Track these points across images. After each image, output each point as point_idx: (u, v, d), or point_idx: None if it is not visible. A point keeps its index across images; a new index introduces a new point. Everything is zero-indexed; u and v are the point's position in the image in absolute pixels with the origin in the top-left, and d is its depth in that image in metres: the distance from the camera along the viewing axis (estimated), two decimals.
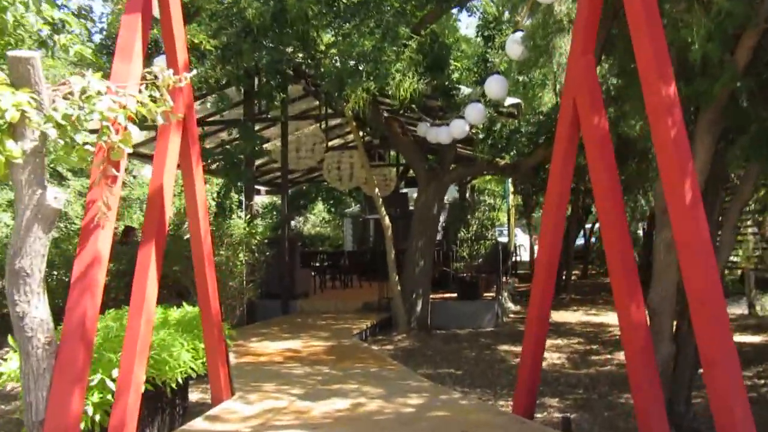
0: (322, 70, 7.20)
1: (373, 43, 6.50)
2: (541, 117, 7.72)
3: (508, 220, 12.05)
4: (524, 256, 21.02)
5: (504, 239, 14.50)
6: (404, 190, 18.60)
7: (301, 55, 7.36)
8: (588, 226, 20.69)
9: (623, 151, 8.75)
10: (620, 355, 7.57)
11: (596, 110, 3.56)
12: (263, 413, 4.13)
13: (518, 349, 8.02)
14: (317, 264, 13.69)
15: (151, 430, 4.58)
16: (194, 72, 3.74)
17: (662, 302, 3.89)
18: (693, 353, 4.09)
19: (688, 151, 2.98)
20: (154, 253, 3.67)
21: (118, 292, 8.87)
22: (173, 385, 4.45)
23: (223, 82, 7.76)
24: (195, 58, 7.46)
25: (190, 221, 4.21)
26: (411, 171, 18.02)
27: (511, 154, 8.26)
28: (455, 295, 10.41)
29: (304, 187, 24.96)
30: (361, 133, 15.24)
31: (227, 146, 7.79)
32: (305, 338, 7.38)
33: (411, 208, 19.83)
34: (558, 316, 11.16)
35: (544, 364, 7.15)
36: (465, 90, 8.70)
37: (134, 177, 24.28)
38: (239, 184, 7.83)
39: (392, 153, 17.58)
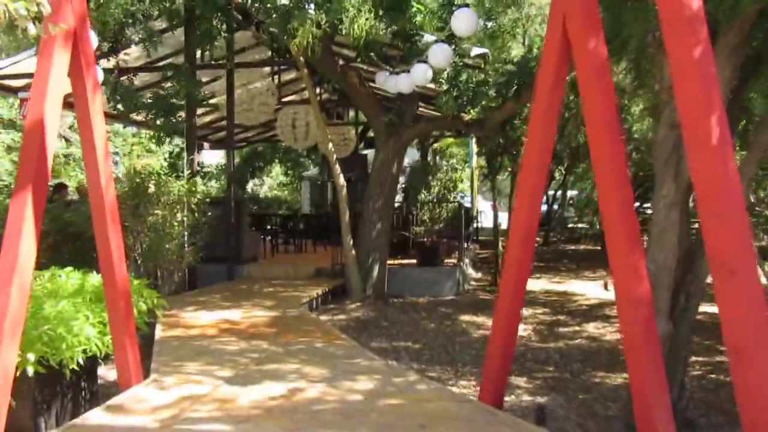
0: (268, 5, 6.30)
1: None
2: (510, 67, 7.01)
3: (472, 183, 11.44)
4: (485, 222, 20.56)
5: (467, 204, 13.91)
6: (364, 152, 17.84)
7: None
8: (551, 192, 20.30)
9: None
10: (590, 327, 7.08)
11: (592, 31, 2.85)
12: (178, 402, 3.39)
13: (480, 319, 7.46)
14: (269, 227, 12.86)
15: (47, 419, 3.81)
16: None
17: (660, 272, 3.28)
18: (688, 332, 3.52)
19: (714, 75, 2.30)
20: (30, 206, 2.85)
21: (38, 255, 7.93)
22: (74, 366, 3.68)
23: (154, 17, 6.78)
24: None
25: (87, 166, 3.38)
26: (371, 132, 17.35)
27: (477, 109, 7.55)
28: (414, 261, 9.78)
29: (260, 148, 23.93)
30: (318, 90, 14.37)
31: (160, 90, 6.85)
32: (247, 307, 6.63)
33: (368, 168, 19.15)
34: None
35: None
36: (428, 37, 7.94)
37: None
38: (175, 135, 6.93)
39: (351, 113, 16.79)
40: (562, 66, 3.08)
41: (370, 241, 8.49)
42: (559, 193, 20.80)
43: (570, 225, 21.81)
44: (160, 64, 9.19)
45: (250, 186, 26.64)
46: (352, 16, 5.64)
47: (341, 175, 8.19)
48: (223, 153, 16.92)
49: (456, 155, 16.17)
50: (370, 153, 18.02)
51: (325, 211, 17.68)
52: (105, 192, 3.33)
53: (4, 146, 13.37)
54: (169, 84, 7.17)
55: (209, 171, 28.34)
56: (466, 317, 7.54)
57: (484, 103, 7.31)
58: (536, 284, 10.79)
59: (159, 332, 5.24)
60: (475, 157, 11.79)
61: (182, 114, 8.07)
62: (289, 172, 26.96)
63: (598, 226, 21.43)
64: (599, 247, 16.63)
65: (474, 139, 11.58)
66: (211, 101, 12.46)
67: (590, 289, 10.11)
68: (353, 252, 8.26)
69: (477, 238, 16.53)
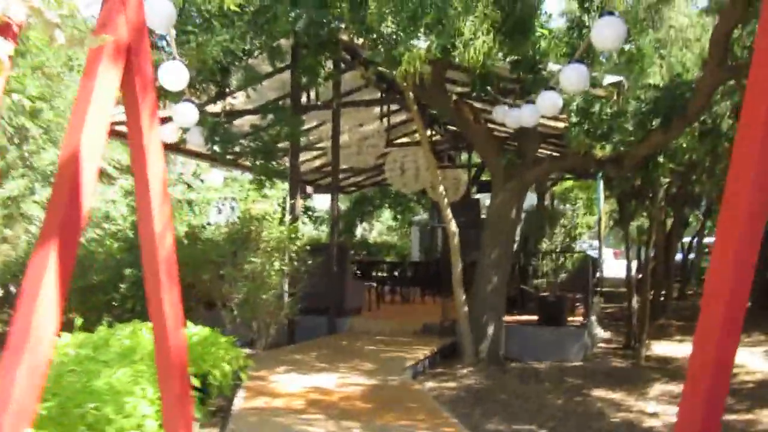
0: (368, 33, 5.69)
1: None
2: (653, 94, 5.90)
3: (599, 229, 10.19)
4: (606, 271, 18.77)
5: (592, 252, 12.52)
6: (477, 196, 16.97)
7: (347, 17, 5.88)
8: (686, 239, 18.27)
9: None
10: (764, 415, 5.62)
11: None
12: None
13: (618, 396, 6.20)
14: (374, 274, 12.16)
15: None
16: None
17: None
18: None
19: None
20: (55, 262, 2.22)
21: (136, 302, 7.69)
22: None
23: (255, 56, 6.39)
24: (220, 24, 6.14)
25: (139, 210, 2.76)
26: (484, 175, 16.42)
27: (613, 143, 6.46)
28: (535, 318, 8.63)
29: (370, 193, 23.72)
30: (429, 132, 13.75)
31: (261, 132, 6.40)
32: (344, 371, 5.85)
33: (483, 216, 18.16)
34: (660, 348, 9.15)
35: (660, 422, 5.35)
36: (553, 66, 7.03)
37: (202, 181, 23.84)
38: (275, 179, 6.41)
39: (464, 155, 16.04)
40: None
41: (485, 295, 7.50)
42: (695, 240, 18.71)
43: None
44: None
45: (359, 231, 26.45)
46: (467, 39, 4.85)
47: (453, 221, 7.33)
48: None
49: (579, 198, 14.82)
50: (482, 197, 17.12)
51: (435, 258, 16.87)
52: (160, 244, 2.69)
53: (123, 191, 13.75)
54: (270, 126, 6.71)
55: (320, 216, 28.60)
56: (599, 392, 6.31)
57: (621, 137, 6.22)
58: (679, 349, 9.23)
59: (239, 401, 4.56)
60: (602, 201, 10.50)
61: (285, 157, 7.65)
62: (398, 216, 26.54)
63: None
64: (750, 303, 14.46)
65: (602, 181, 10.33)
66: (318, 144, 12.21)
67: (750, 358, 8.44)
68: (466, 308, 7.30)
69: (601, 290, 14.97)
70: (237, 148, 6.35)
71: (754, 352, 8.74)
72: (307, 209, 26.15)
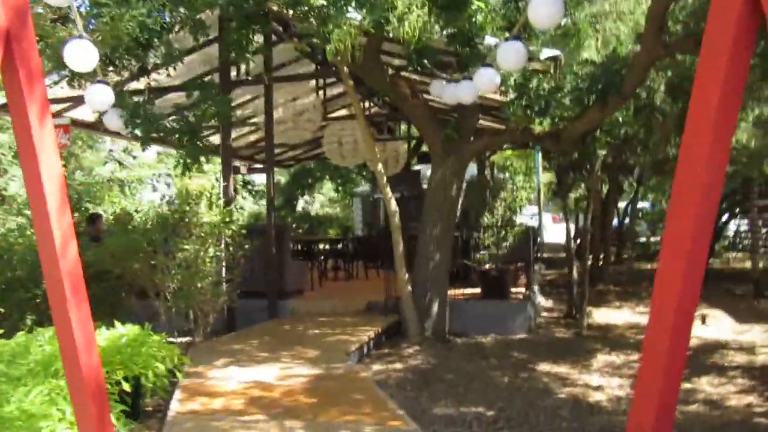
0: (297, 5, 5.37)
1: None
2: (590, 70, 5.83)
3: (539, 201, 10.24)
4: (546, 237, 19.12)
5: (531, 219, 12.64)
6: (417, 167, 16.90)
7: None
8: (621, 204, 18.76)
9: None
10: (703, 383, 5.76)
11: None
12: None
13: (563, 369, 6.25)
14: (316, 251, 11.92)
15: None
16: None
17: None
18: None
19: None
20: None
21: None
22: None
23: (176, 30, 5.95)
24: None
25: (34, 218, 2.43)
26: (424, 146, 16.31)
27: (552, 118, 6.39)
28: (477, 291, 8.63)
29: (310, 166, 23.30)
30: (366, 105, 13.46)
31: (186, 111, 5.99)
32: (286, 360, 5.65)
33: (424, 187, 18.12)
34: (601, 315, 9.35)
35: (605, 396, 5.39)
36: (490, 39, 6.87)
37: (134, 157, 22.80)
38: (201, 161, 6.03)
39: (403, 126, 15.87)
40: (746, 25, 1.89)
41: (428, 273, 7.41)
42: (629, 206, 19.24)
43: (642, 240, 20.15)
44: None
45: (300, 204, 26.05)
46: (401, 14, 4.61)
47: (393, 200, 7.16)
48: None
49: (519, 169, 14.91)
50: (423, 168, 17.05)
51: (377, 231, 16.77)
52: (61, 256, 2.38)
53: None
54: (196, 105, 6.29)
55: (260, 190, 27.96)
56: (545, 366, 6.34)
57: (559, 113, 6.15)
58: (619, 315, 9.46)
59: (174, 405, 4.29)
60: (540, 171, 10.55)
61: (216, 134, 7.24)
62: (339, 188, 26.27)
63: None
64: None
65: (540, 152, 10.35)
66: (253, 120, 11.75)
67: None
68: (409, 287, 7.19)
69: (542, 256, 15.22)
70: (161, 130, 5.93)
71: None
72: (246, 183, 25.50)
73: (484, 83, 5.05)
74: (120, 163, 24.67)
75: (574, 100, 5.92)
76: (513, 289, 8.65)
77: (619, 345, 7.25)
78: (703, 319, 8.57)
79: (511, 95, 6.34)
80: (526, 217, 15.17)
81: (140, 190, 22.88)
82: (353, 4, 4.50)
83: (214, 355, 5.96)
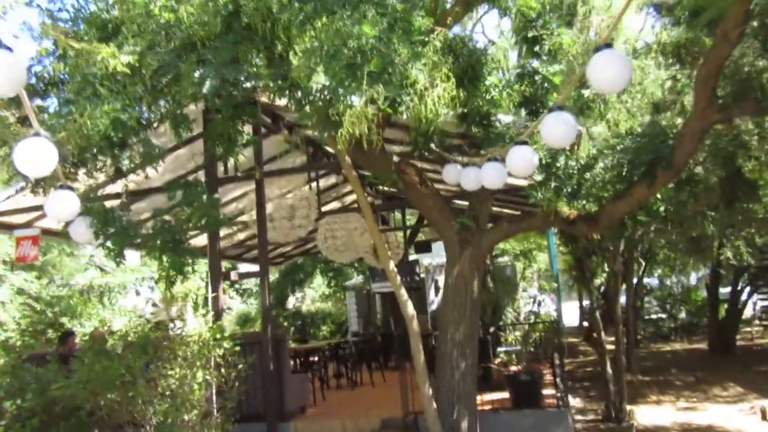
0: (292, 91, 4.71)
1: (376, 32, 3.99)
2: (632, 142, 5.13)
3: (558, 288, 9.39)
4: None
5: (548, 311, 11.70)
6: (413, 257, 16.14)
7: (264, 72, 4.86)
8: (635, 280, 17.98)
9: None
10: None
11: None
12: None
13: None
14: (316, 359, 10.80)
15: None
16: None
17: None
18: None
19: None
20: None
21: None
22: None
23: (155, 126, 5.23)
24: (108, 91, 4.97)
25: None
26: (419, 235, 15.57)
27: (584, 199, 5.64)
28: (503, 396, 7.59)
29: (300, 261, 22.42)
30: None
31: (166, 216, 5.16)
32: None
33: (422, 275, 17.25)
34: (643, 415, 8.30)
35: None
36: (505, 118, 6.27)
37: (117, 263, 21.75)
38: (187, 267, 5.13)
39: (397, 215, 15.26)
40: None
41: (454, 383, 6.37)
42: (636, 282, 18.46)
43: (652, 317, 19.20)
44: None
45: (291, 301, 24.94)
46: (423, 88, 3.90)
47: (409, 302, 6.26)
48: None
49: (516, 253, 14.13)
50: (420, 257, 16.27)
51: (378, 330, 15.79)
52: None
53: (14, 289, 11.88)
54: (178, 207, 5.46)
55: (248, 288, 26.78)
56: None
57: (597, 192, 5.41)
58: (661, 414, 8.41)
59: None
60: (555, 256, 9.74)
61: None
62: (331, 282, 25.27)
63: (684, 316, 18.80)
64: (706, 347, 13.97)
65: (553, 235, 9.60)
66: (242, 218, 10.97)
67: (739, 419, 7.70)
68: (434, 404, 6.16)
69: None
70: (139, 239, 5.06)
71: (742, 412, 8.01)
72: (233, 283, 24.35)
73: (518, 164, 4.30)
74: (101, 269, 23.58)
75: (615, 177, 5.18)
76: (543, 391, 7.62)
77: None
78: (764, 413, 7.55)
79: (538, 177, 5.61)
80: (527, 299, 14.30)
81: (123, 296, 21.72)
82: (364, 81, 3.79)
83: None
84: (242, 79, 4.58)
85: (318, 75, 4.34)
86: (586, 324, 17.84)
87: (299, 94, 4.92)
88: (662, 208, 5.99)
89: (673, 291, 19.38)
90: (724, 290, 14.34)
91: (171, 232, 4.94)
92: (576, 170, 5.59)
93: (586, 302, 19.84)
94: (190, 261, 4.96)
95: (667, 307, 18.88)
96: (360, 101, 3.97)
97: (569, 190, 5.48)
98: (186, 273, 5.01)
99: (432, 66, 4.33)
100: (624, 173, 5.03)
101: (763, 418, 7.46)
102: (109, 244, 4.75)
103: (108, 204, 5.45)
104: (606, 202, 5.45)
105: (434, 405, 6.16)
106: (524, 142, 4.34)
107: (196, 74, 4.62)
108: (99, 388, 5.96)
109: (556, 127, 3.64)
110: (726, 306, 13.96)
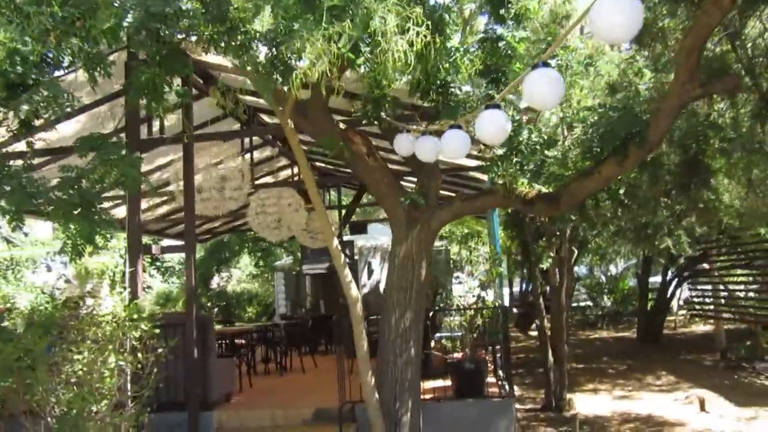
0: (231, 36, 4.07)
1: None
2: (605, 114, 4.75)
3: (500, 273, 9.08)
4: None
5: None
6: (349, 237, 15.62)
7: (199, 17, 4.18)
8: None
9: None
10: None
11: None
12: None
13: None
14: (242, 344, 10.09)
15: None
16: None
17: None
18: None
19: None
20: None
21: None
22: None
23: (65, 65, 4.44)
24: (8, 21, 4.17)
25: None
26: (354, 216, 15.04)
27: (545, 177, 5.27)
28: (444, 384, 7.21)
29: (227, 239, 21.45)
30: (291, 171, 12.09)
31: (75, 175, 4.37)
32: None
33: (356, 257, 16.74)
34: (582, 404, 8.14)
35: None
36: (466, 87, 5.85)
37: (26, 234, 20.15)
38: (99, 238, 4.37)
39: (332, 194, 14.68)
40: None
41: (397, 372, 5.92)
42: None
43: (580, 305, 19.53)
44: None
45: (216, 281, 23.93)
46: (390, 36, 3.34)
47: (353, 284, 5.73)
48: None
49: (452, 235, 13.81)
50: (355, 238, 15.75)
51: (308, 312, 15.21)
52: None
53: None
54: (93, 167, 4.65)
55: (170, 266, 25.44)
56: None
57: (560, 170, 5.03)
58: (600, 403, 8.29)
59: None
60: (498, 239, 9.44)
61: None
62: (259, 262, 24.42)
63: (609, 305, 19.19)
64: (634, 335, 14.22)
65: (496, 214, 9.29)
66: (168, 188, 10.07)
67: (677, 409, 7.64)
68: (376, 395, 5.68)
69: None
70: (41, 202, 4.26)
71: (678, 402, 7.96)
72: (153, 260, 23.03)
73: (488, 130, 3.82)
74: (8, 242, 21.76)
75: (582, 154, 4.81)
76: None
77: None
78: (702, 403, 7.51)
79: (499, 151, 5.18)
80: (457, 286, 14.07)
81: (33, 272, 20.16)
82: (324, 20, 3.18)
83: None
84: (171, 13, 3.86)
85: (264, 14, 3.72)
86: (516, 310, 17.90)
87: (240, 39, 4.26)
88: (622, 191, 5.72)
89: (600, 280, 19.78)
90: (652, 280, 14.65)
91: (80, 194, 4.18)
92: (539, 145, 5.20)
93: (515, 289, 19.98)
94: (101, 230, 4.19)
95: (594, 296, 19.25)
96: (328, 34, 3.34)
97: (532, 166, 5.09)
98: (96, 243, 4.26)
99: (396, 14, 3.78)
100: (593, 149, 4.66)
101: (702, 408, 7.42)
102: (2, 203, 3.93)
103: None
104: (570, 180, 5.08)
105: (376, 396, 5.69)
106: (496, 106, 3.86)
107: (116, 4, 3.89)
108: None
109: (542, 86, 3.16)
110: (655, 295, 14.23)
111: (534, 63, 3.27)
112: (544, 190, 5.32)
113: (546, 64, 3.24)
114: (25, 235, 20.12)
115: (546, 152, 5.28)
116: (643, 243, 7.41)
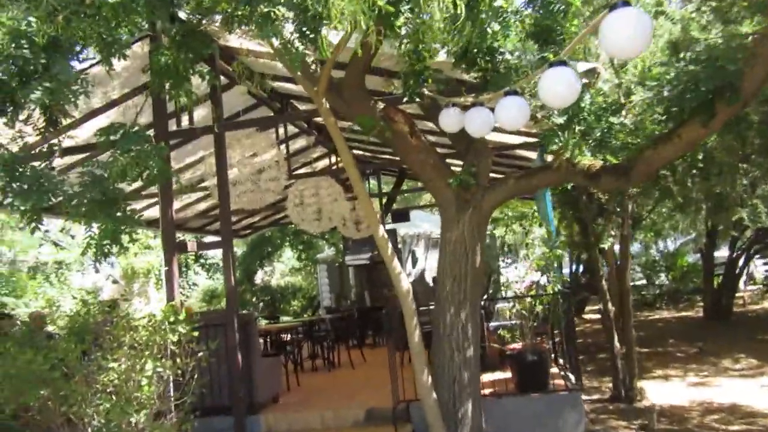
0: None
1: None
2: (683, 68, 4.12)
3: (561, 254, 8.50)
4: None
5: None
6: (391, 226, 15.13)
7: None
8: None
9: None
10: None
11: None
12: None
13: None
14: (287, 341, 9.76)
15: None
16: None
17: None
18: None
19: None
20: None
21: None
22: None
23: (78, 51, 4.07)
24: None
25: None
26: (396, 203, 14.56)
27: (613, 148, 4.67)
28: (504, 376, 6.72)
29: (269, 233, 21.24)
30: (333, 159, 11.67)
31: (96, 170, 4.01)
32: None
33: (399, 246, 16.27)
34: (654, 393, 7.51)
35: None
36: (510, 56, 5.25)
37: (72, 237, 20.40)
38: (124, 236, 4.01)
39: (372, 182, 14.18)
40: None
41: (455, 368, 5.43)
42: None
43: (636, 283, 18.64)
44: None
45: (259, 275, 23.81)
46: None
47: (403, 275, 5.26)
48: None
49: (501, 220, 13.20)
50: (398, 227, 15.26)
51: (354, 305, 14.83)
52: None
53: None
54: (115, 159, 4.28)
55: (215, 262, 25.44)
56: None
57: (631, 140, 4.43)
58: (674, 391, 7.64)
59: None
60: (553, 218, 8.81)
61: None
62: (301, 256, 24.19)
63: (667, 283, 18.25)
64: (699, 314, 13.41)
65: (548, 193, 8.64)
66: (204, 184, 9.79)
67: (761, 395, 6.96)
68: (434, 395, 5.21)
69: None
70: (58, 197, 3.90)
71: (760, 387, 7.26)
72: (198, 257, 23.04)
73: (556, 90, 3.28)
74: (56, 244, 22.08)
75: (656, 116, 4.21)
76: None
77: None
78: None
79: (558, 119, 4.62)
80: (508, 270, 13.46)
81: (82, 274, 20.37)
82: None
83: None
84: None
85: None
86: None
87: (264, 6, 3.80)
88: (700, 156, 5.07)
89: (655, 257, 18.86)
90: (717, 254, 13.77)
91: (102, 191, 3.80)
92: (605, 111, 4.61)
93: (565, 270, 19.21)
94: (126, 229, 3.82)
95: (649, 274, 18.36)
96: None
97: (598, 134, 4.51)
98: (122, 242, 3.89)
99: None
100: (672, 110, 4.04)
101: None
102: (16, 202, 3.58)
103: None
104: (642, 147, 4.48)
105: (434, 395, 5.22)
106: (563, 63, 3.31)
107: None
108: (23, 386, 4.86)
109: (627, 27, 2.62)
110: (723, 271, 13.37)
111: (612, 3, 2.72)
112: (611, 161, 4.74)
113: (626, 3, 2.69)
114: (72, 237, 20.32)
115: (611, 119, 4.68)
116: (719, 215, 6.70)
